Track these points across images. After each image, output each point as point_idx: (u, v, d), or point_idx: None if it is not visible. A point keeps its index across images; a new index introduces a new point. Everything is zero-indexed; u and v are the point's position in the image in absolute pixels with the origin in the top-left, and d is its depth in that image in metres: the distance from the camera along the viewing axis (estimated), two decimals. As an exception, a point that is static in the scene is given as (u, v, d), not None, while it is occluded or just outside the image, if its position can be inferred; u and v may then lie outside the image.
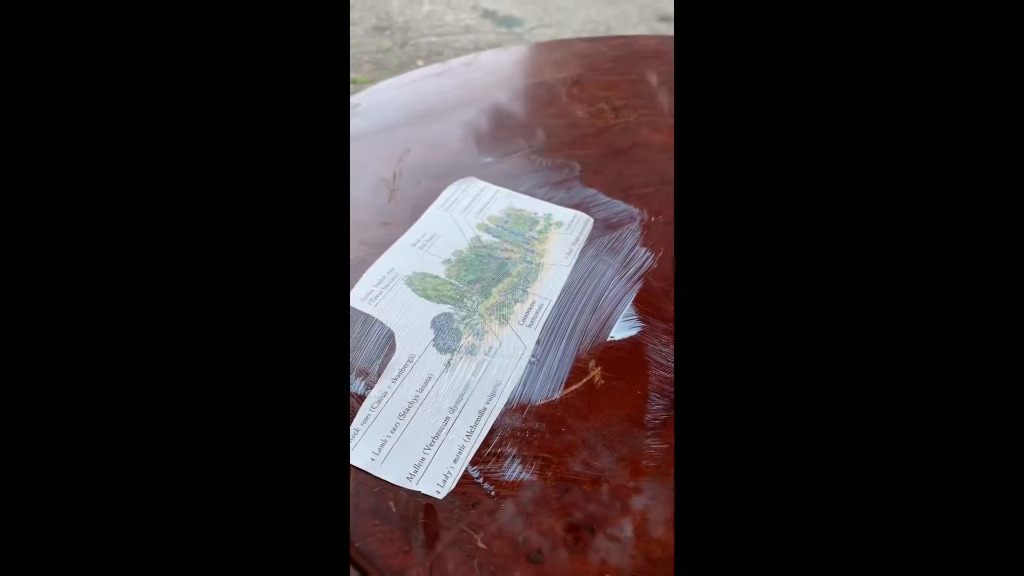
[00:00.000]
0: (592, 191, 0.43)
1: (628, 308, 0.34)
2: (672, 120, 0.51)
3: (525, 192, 0.42)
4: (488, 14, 1.75)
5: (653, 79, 0.56)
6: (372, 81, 1.42)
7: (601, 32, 1.58)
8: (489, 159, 0.45)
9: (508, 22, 1.71)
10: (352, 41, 1.59)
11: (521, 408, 0.29)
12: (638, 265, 0.37)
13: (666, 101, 0.53)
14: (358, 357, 0.31)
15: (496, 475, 0.27)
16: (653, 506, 0.26)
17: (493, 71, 0.56)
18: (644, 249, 0.38)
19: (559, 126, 0.49)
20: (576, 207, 0.41)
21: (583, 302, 0.35)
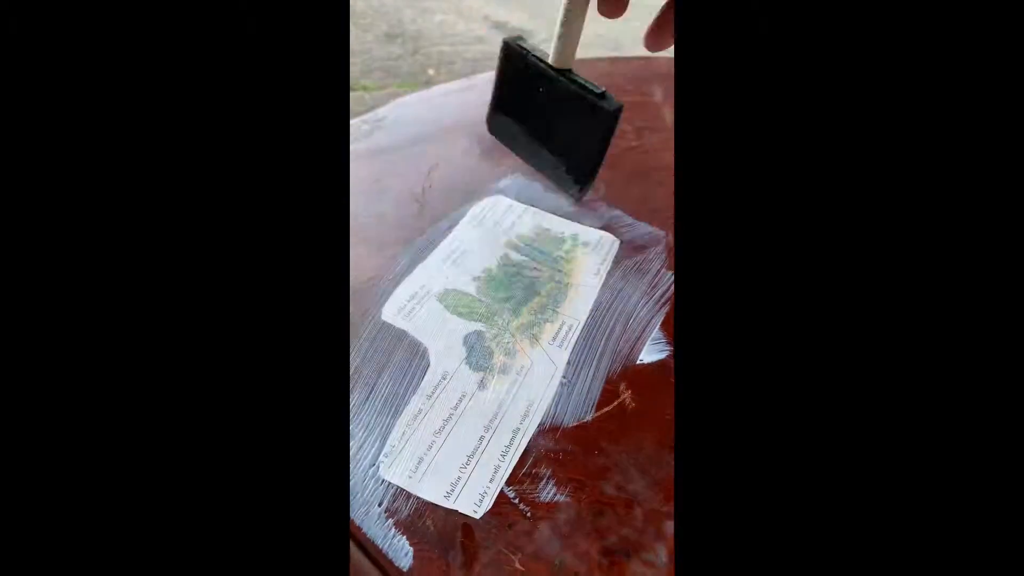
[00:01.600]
0: (618, 212, 0.43)
1: (656, 331, 0.35)
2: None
3: (551, 211, 0.42)
4: (499, 25, 1.76)
5: (672, 101, 0.57)
6: (382, 88, 1.42)
7: (610, 47, 1.59)
8: (517, 176, 0.45)
9: (519, 33, 1.73)
10: (363, 48, 1.59)
11: (554, 429, 0.30)
12: (664, 288, 0.38)
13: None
14: (394, 371, 0.31)
15: (531, 496, 0.27)
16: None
17: (517, 88, 0.56)
18: (670, 272, 0.39)
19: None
20: (602, 228, 0.42)
21: (612, 324, 0.35)
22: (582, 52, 0.44)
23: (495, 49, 0.43)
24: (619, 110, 0.34)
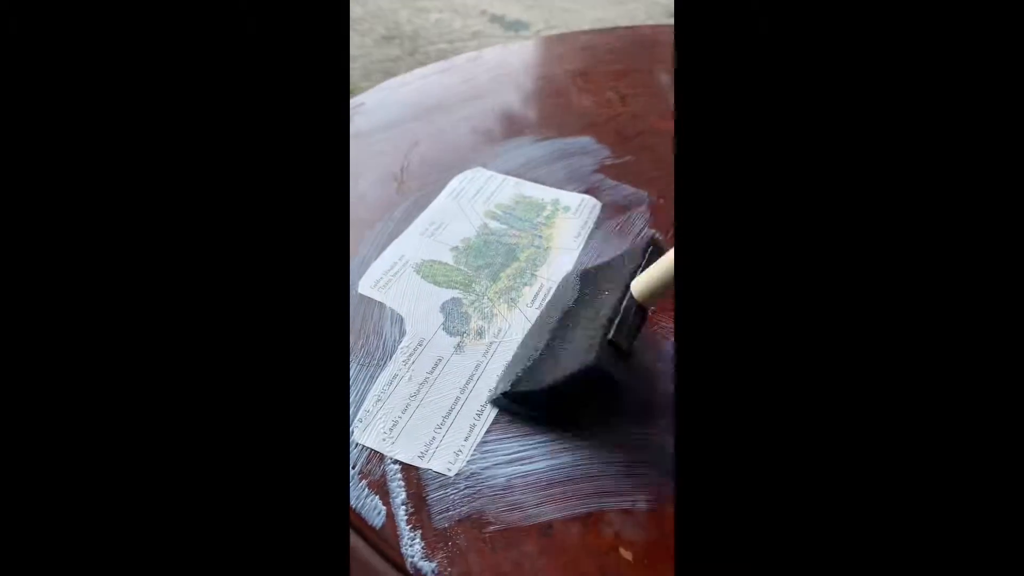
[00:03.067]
0: (599, 176, 0.43)
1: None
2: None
3: (532, 179, 0.42)
4: (496, 19, 1.76)
5: (658, 67, 0.56)
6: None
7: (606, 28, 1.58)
8: (497, 149, 0.45)
9: (516, 26, 1.72)
10: (361, 51, 1.61)
11: (531, 387, 0.29)
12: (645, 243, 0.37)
13: (671, 89, 0.53)
14: (369, 341, 0.31)
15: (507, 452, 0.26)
16: (665, 481, 0.26)
17: (498, 66, 0.56)
18: (653, 230, 0.38)
19: (567, 115, 0.49)
20: (584, 192, 0.41)
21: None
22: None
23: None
24: (594, 369, 0.25)
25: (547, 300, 0.32)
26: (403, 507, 0.24)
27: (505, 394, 0.27)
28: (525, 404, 0.27)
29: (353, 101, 0.50)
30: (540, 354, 0.28)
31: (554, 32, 1.62)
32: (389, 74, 1.50)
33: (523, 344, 0.30)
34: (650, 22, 1.65)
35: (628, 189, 0.41)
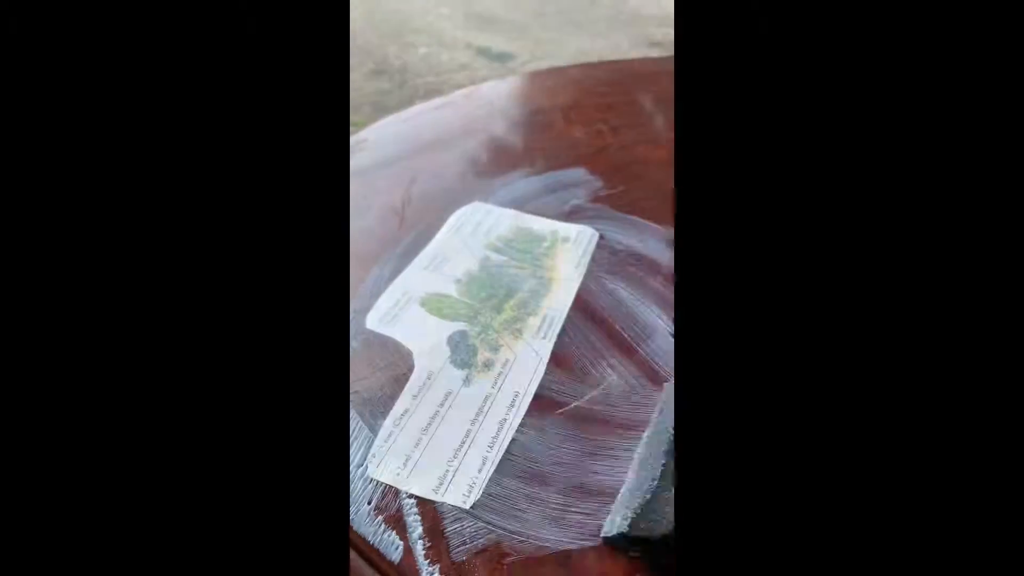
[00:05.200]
0: (596, 205, 0.44)
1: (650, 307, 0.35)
2: (669, 136, 0.53)
3: (531, 212, 0.43)
4: (482, 51, 1.80)
5: (646, 99, 0.58)
6: (372, 123, 1.46)
7: (594, 62, 1.62)
8: (494, 183, 0.46)
9: (502, 57, 1.76)
10: (352, 86, 1.63)
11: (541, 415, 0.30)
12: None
13: (660, 119, 0.55)
14: (377, 376, 0.31)
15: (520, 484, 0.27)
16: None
17: (492, 101, 0.57)
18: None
19: (560, 148, 0.51)
20: (582, 222, 0.42)
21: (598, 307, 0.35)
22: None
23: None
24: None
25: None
26: (420, 541, 0.25)
27: (624, 535, 0.24)
28: (648, 550, 0.24)
29: (354, 138, 0.51)
30: (657, 485, 0.25)
31: (540, 63, 1.66)
32: (379, 107, 1.52)
33: (638, 467, 0.27)
34: (633, 52, 1.70)
35: (624, 217, 0.43)
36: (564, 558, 0.24)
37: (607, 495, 0.26)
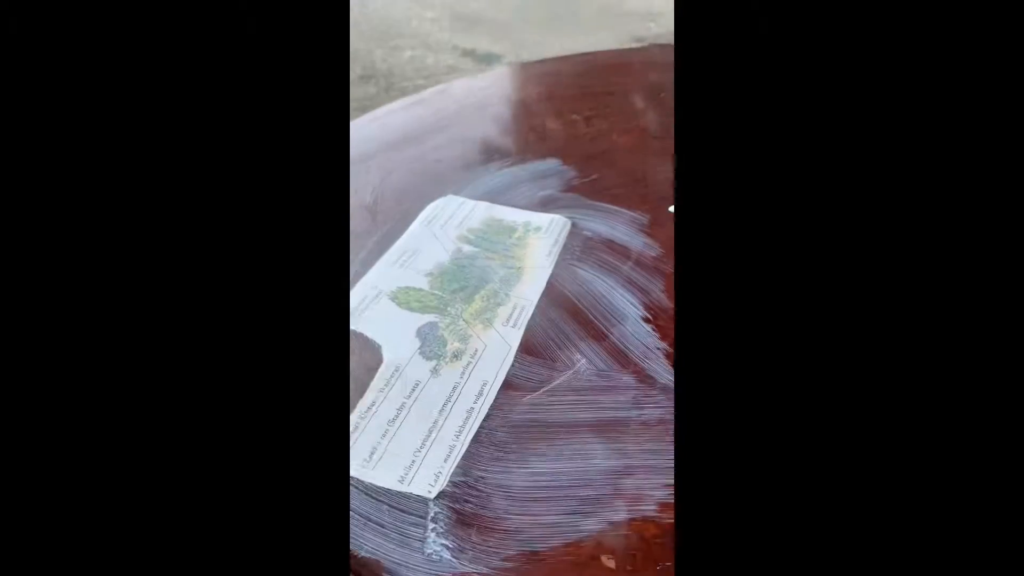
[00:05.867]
0: (569, 195, 0.44)
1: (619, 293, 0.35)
2: (640, 123, 0.53)
3: (504, 203, 0.43)
4: (468, 53, 1.80)
5: (618, 89, 0.58)
6: (361, 128, 1.45)
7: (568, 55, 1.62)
8: (467, 176, 0.46)
9: (488, 59, 1.76)
10: (339, 92, 1.63)
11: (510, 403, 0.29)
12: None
13: (632, 107, 0.55)
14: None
15: (487, 471, 0.27)
16: (647, 486, 0.26)
17: (466, 96, 0.57)
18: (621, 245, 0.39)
19: (533, 139, 0.50)
20: (554, 212, 0.42)
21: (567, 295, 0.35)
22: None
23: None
24: None
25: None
26: (386, 532, 0.24)
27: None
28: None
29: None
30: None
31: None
32: (366, 111, 1.52)
33: None
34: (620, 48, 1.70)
35: (596, 204, 0.42)
36: (528, 541, 0.24)
37: (575, 484, 0.26)
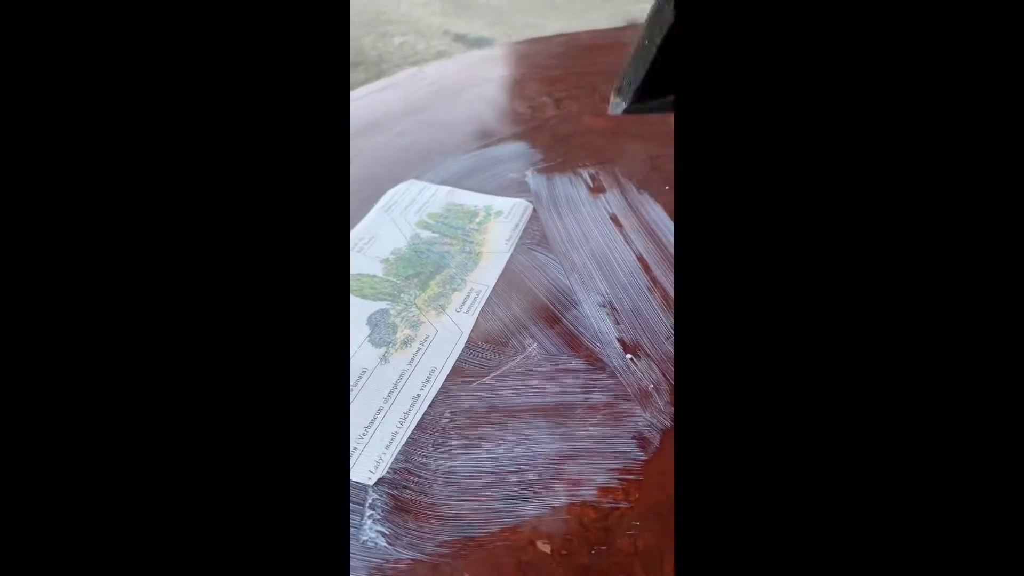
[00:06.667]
0: (535, 176, 0.43)
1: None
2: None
3: (467, 188, 0.42)
4: (459, 38, 1.78)
5: (594, 70, 0.57)
6: (351, 115, 1.44)
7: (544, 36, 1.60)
8: (432, 161, 0.45)
9: (479, 43, 1.74)
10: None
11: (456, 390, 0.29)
12: (576, 243, 0.37)
13: (605, 88, 0.54)
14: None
15: (427, 457, 0.26)
16: (588, 471, 0.26)
17: (437, 80, 0.57)
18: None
19: (501, 123, 0.50)
20: (517, 195, 0.41)
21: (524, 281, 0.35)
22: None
23: None
24: None
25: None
26: (322, 520, 0.24)
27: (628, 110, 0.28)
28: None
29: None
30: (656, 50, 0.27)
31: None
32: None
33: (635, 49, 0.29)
34: (610, 29, 1.67)
35: (562, 178, 0.42)
36: (465, 527, 0.24)
37: (517, 469, 0.26)
